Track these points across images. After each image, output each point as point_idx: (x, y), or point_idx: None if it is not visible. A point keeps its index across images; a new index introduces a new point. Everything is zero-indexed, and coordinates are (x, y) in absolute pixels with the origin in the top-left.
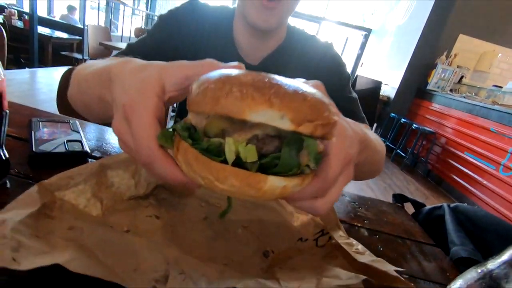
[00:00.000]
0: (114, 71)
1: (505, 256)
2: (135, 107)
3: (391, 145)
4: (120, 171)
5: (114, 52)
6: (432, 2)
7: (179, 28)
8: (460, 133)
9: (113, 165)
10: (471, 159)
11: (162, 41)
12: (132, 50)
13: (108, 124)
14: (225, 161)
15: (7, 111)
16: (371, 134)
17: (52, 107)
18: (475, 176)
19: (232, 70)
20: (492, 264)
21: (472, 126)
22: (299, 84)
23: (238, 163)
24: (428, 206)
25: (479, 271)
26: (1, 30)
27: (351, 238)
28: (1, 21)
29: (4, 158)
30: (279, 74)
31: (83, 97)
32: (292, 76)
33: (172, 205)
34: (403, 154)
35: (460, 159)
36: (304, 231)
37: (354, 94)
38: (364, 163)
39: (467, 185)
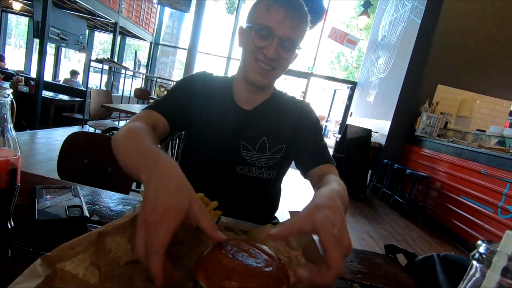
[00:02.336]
0: (152, 172)
1: None
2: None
3: (387, 191)
4: (118, 237)
5: (114, 113)
6: (409, 57)
7: (196, 88)
8: (453, 176)
9: (111, 232)
10: (468, 203)
11: (184, 96)
12: (159, 105)
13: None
14: None
15: (19, 184)
16: (336, 178)
17: (48, 166)
18: (475, 220)
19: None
20: None
21: (463, 170)
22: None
23: None
24: (420, 257)
25: None
26: (12, 101)
27: None
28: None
29: (9, 227)
30: (268, 117)
31: (121, 159)
32: (279, 120)
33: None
34: (400, 200)
35: (457, 203)
36: None
37: (324, 142)
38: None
39: (468, 230)
